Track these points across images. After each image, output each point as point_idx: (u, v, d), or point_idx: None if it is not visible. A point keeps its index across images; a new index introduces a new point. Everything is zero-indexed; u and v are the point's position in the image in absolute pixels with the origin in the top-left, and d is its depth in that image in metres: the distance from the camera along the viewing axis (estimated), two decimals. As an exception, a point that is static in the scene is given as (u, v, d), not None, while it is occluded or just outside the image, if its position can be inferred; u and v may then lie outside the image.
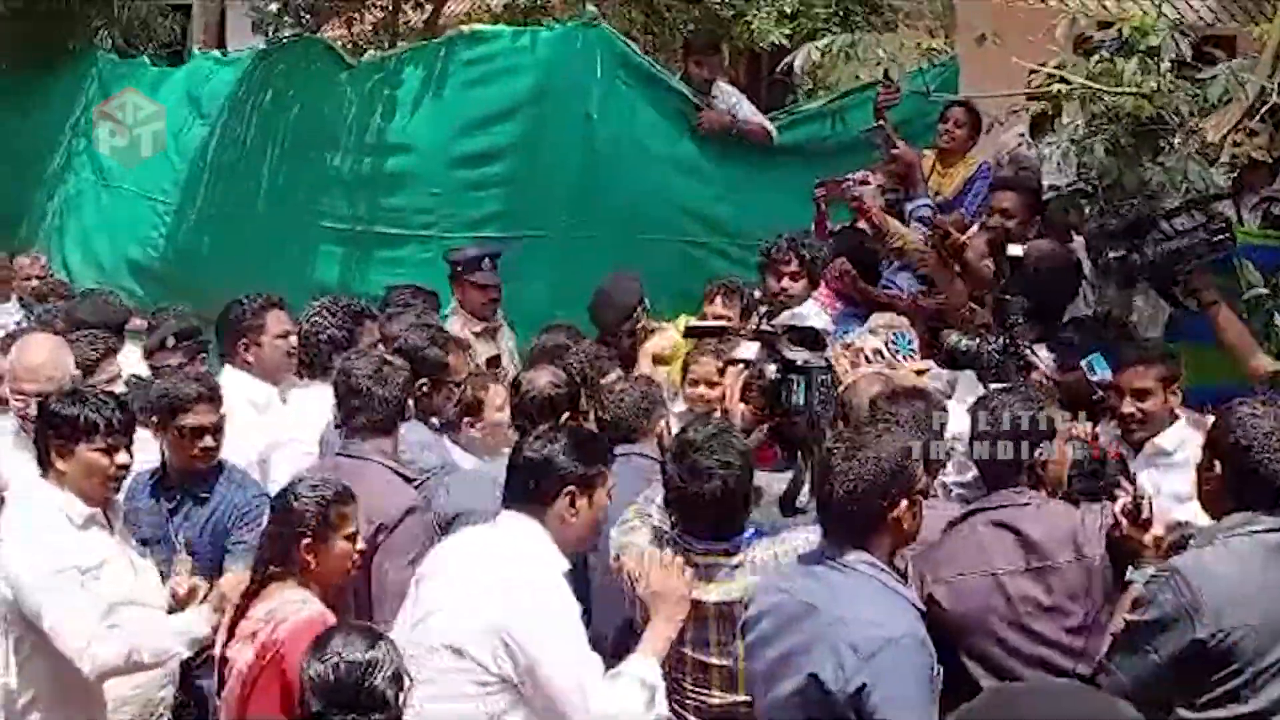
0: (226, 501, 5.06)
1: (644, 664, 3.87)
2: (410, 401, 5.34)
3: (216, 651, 4.15)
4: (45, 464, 4.49)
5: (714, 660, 4.05)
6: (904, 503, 3.52)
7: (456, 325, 6.61)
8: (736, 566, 4.03)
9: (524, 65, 8.73)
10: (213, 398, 5.12)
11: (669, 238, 8.42)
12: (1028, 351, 5.11)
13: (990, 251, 6.73)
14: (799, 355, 4.59)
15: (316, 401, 5.56)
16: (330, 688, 3.39)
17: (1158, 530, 3.87)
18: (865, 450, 3.52)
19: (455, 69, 8.94)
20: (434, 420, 5.66)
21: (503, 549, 3.95)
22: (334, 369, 5.29)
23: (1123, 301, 6.33)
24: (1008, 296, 5.85)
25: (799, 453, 4.61)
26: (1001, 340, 5.22)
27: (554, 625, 3.82)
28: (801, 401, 4.53)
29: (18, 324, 8.10)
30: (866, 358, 5.47)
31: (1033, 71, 6.98)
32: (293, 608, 3.92)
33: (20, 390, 5.40)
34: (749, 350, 4.94)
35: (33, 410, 5.13)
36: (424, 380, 5.51)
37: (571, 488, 3.91)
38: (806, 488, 4.46)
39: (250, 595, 4.06)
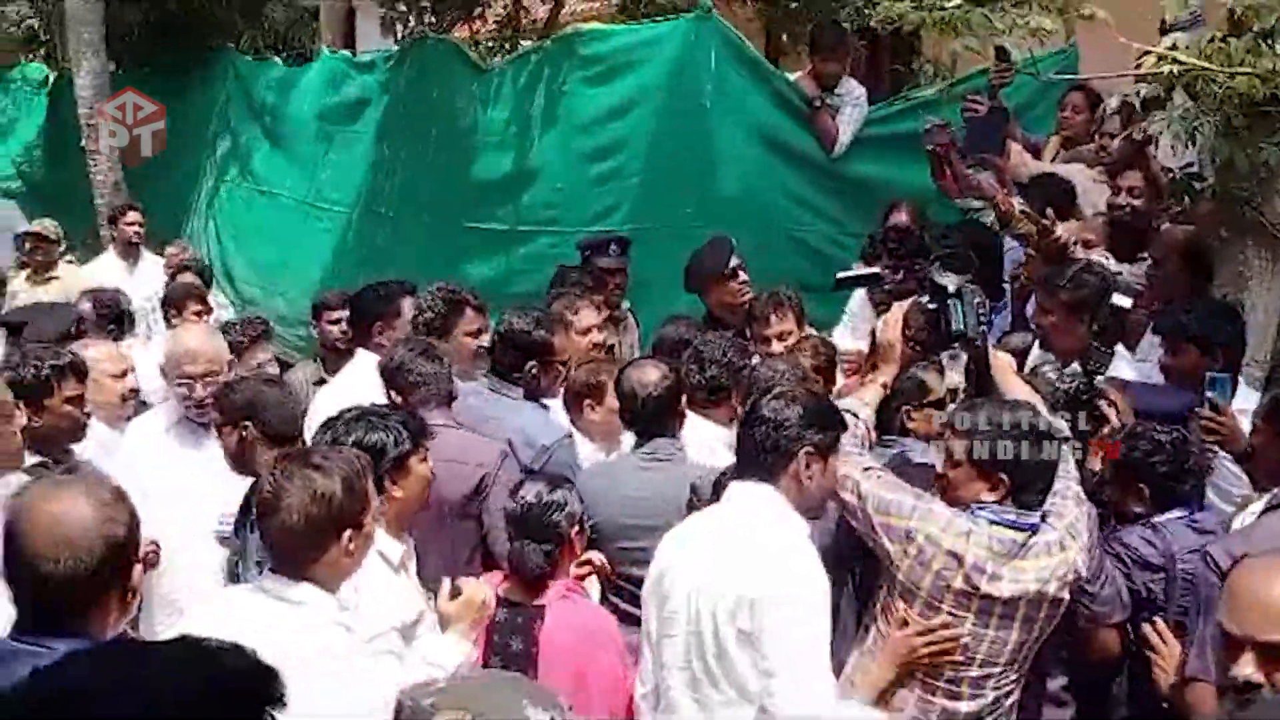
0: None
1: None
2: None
3: None
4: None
5: None
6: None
7: (589, 313, 6.50)
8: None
9: (640, 60, 8.80)
10: None
11: (782, 227, 8.43)
12: (1103, 403, 5.00)
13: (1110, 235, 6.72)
14: (950, 281, 4.48)
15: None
16: (518, 519, 4.29)
17: None
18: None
19: (575, 67, 9.05)
20: (544, 402, 5.70)
21: (743, 520, 3.88)
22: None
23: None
24: (1099, 346, 5.76)
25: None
26: (1078, 384, 5.10)
27: (802, 593, 3.71)
28: (962, 326, 4.41)
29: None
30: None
31: (1146, 53, 6.86)
32: None
33: (185, 375, 5.45)
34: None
35: (199, 391, 5.34)
36: (532, 363, 5.61)
37: (810, 449, 3.84)
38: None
39: None
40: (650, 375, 5.11)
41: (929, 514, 3.92)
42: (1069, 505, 4.01)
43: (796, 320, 6.32)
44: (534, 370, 5.61)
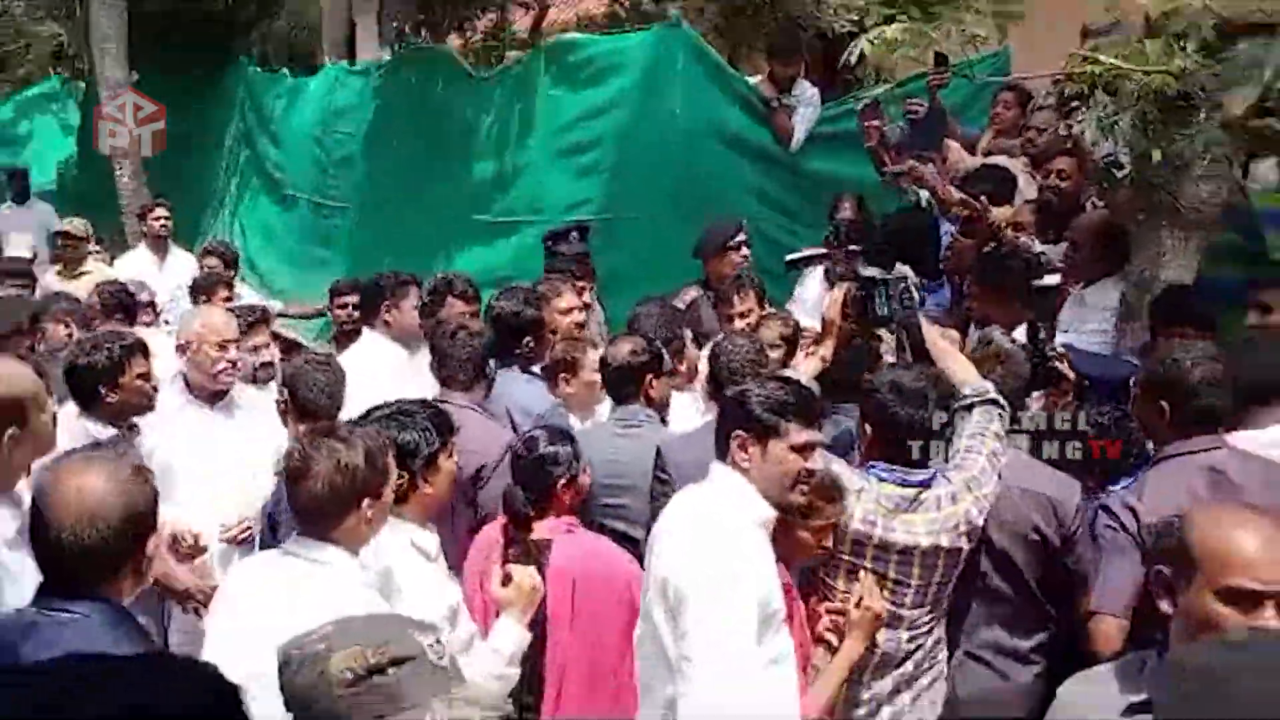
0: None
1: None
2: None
3: None
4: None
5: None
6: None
7: (569, 295, 6.48)
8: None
9: (616, 66, 8.97)
10: None
11: (742, 217, 8.55)
12: (1058, 364, 5.07)
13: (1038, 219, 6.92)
14: (874, 272, 4.58)
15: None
16: (515, 463, 4.37)
17: None
18: None
19: (558, 73, 9.26)
20: (534, 370, 5.78)
21: (701, 500, 3.66)
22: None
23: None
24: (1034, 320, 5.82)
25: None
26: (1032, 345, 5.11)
27: (719, 584, 3.42)
28: (885, 311, 4.52)
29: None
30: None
31: (1071, 54, 7.07)
32: None
33: (218, 344, 5.51)
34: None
35: (230, 356, 5.46)
36: (528, 338, 5.75)
37: (740, 433, 3.58)
38: None
39: None
40: (624, 348, 5.23)
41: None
42: (976, 460, 4.00)
43: (758, 300, 6.42)
44: (529, 345, 5.75)
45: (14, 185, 11.67)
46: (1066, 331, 6.20)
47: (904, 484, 3.96)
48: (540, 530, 4.31)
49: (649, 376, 5.20)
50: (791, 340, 5.84)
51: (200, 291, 8.11)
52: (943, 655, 4.13)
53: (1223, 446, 4.11)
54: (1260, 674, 1.95)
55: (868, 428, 4.10)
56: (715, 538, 3.49)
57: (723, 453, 3.64)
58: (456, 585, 4.14)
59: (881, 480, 3.96)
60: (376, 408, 4.17)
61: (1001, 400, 4.21)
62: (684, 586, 3.42)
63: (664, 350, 5.38)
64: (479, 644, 3.90)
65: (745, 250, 6.97)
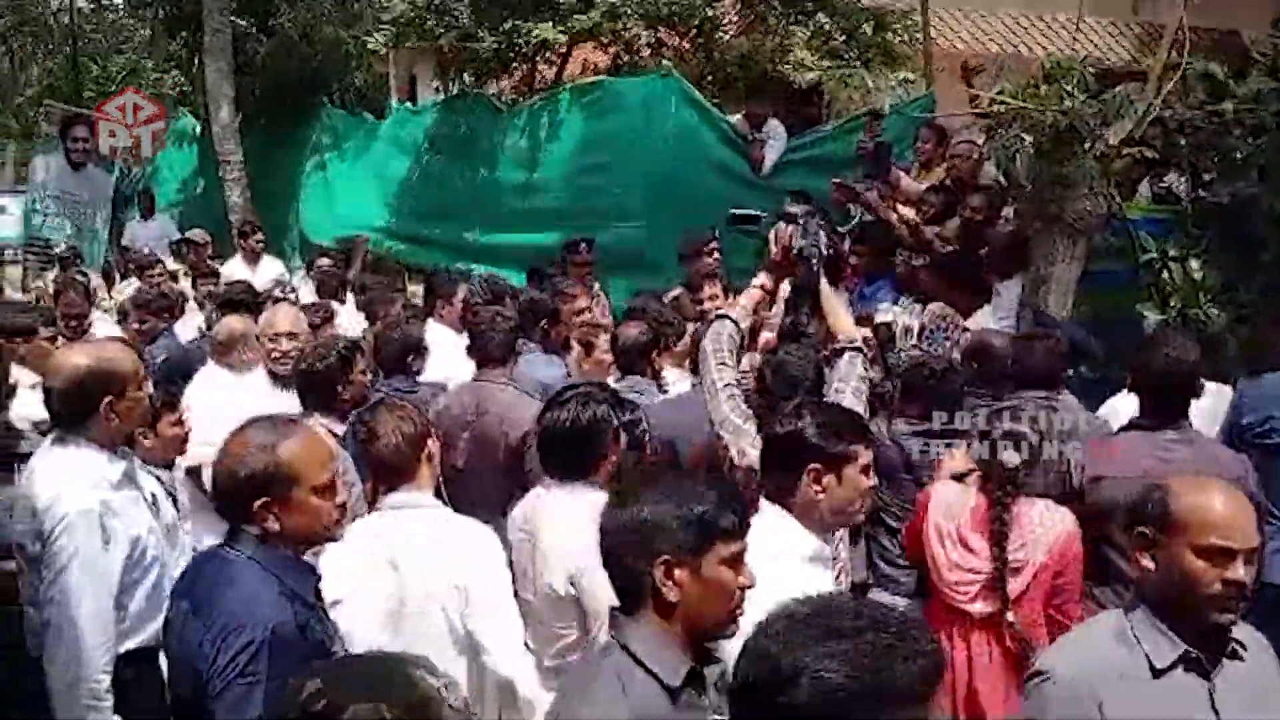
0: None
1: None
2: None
3: None
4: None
5: None
6: None
7: (583, 296, 6.46)
8: None
9: (620, 106, 8.95)
10: None
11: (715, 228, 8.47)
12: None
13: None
14: (796, 209, 4.24)
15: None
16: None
17: None
18: None
19: (574, 110, 9.22)
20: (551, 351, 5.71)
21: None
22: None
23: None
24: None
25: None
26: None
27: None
28: (800, 243, 4.03)
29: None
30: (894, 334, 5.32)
31: (975, 97, 7.03)
32: None
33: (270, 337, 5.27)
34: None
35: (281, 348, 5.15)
36: (545, 321, 5.71)
37: (814, 467, 2.87)
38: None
39: None
40: (631, 330, 5.19)
41: (738, 430, 3.64)
42: (843, 398, 3.62)
43: (723, 290, 6.39)
44: (545, 328, 5.69)
45: (143, 202, 11.59)
46: (1005, 319, 6.26)
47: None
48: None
49: (652, 353, 5.12)
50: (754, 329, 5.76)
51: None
52: None
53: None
54: None
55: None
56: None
57: (779, 490, 2.93)
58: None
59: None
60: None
61: (865, 350, 3.92)
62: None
63: (660, 332, 5.28)
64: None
65: (717, 254, 6.85)
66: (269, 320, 5.43)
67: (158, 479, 3.75)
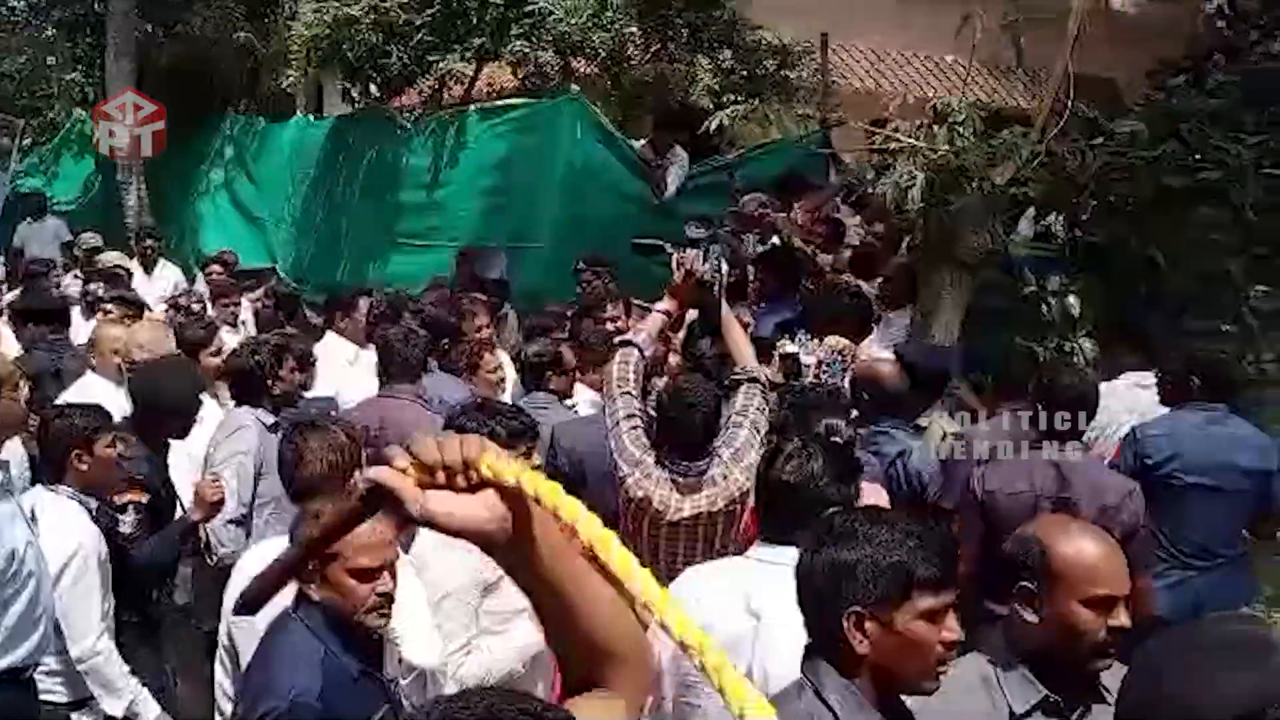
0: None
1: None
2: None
3: None
4: None
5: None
6: None
7: (483, 315, 6.41)
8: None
9: (525, 127, 8.92)
10: None
11: (625, 248, 8.43)
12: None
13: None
14: (699, 235, 4.32)
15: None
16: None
17: None
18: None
19: (478, 130, 9.15)
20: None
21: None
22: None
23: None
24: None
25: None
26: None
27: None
28: (701, 267, 3.94)
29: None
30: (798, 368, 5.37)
31: (872, 135, 7.14)
32: None
33: None
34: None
35: None
36: (445, 339, 5.67)
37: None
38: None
39: None
40: (531, 349, 5.23)
41: (634, 461, 3.65)
42: (739, 434, 3.69)
43: (625, 309, 6.44)
44: (445, 345, 5.64)
45: (33, 205, 11.31)
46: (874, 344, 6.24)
47: (685, 474, 3.67)
48: None
49: (548, 372, 5.10)
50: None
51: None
52: None
53: None
54: None
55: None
56: None
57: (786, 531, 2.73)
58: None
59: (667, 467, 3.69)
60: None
61: (762, 380, 3.93)
62: None
63: (561, 351, 5.27)
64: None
65: (589, 278, 6.92)
66: (132, 335, 5.33)
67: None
